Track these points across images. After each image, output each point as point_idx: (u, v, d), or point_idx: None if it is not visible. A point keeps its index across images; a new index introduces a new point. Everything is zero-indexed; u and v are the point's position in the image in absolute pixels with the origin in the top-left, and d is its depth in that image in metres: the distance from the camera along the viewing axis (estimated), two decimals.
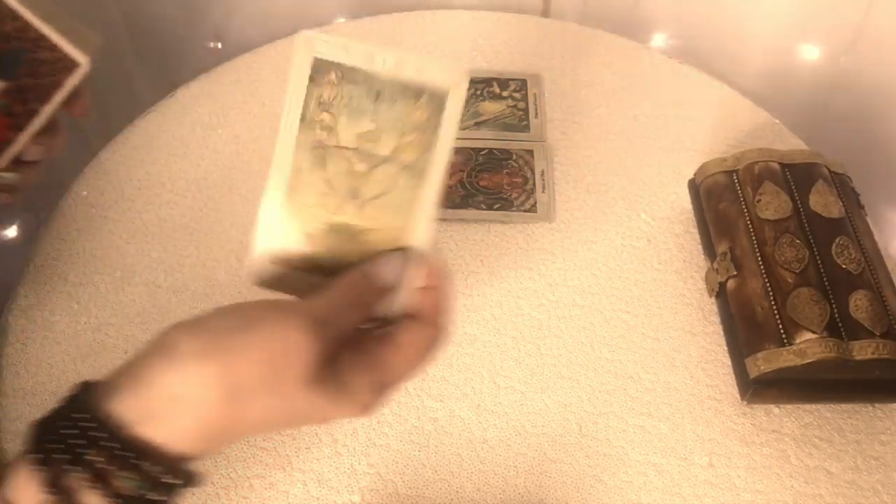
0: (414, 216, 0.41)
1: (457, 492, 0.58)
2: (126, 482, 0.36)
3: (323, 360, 0.38)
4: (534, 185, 0.75)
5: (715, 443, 0.61)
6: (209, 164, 0.77)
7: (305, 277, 0.42)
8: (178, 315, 0.66)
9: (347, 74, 0.39)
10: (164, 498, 0.37)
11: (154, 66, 1.04)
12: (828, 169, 0.69)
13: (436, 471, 0.59)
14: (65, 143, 0.62)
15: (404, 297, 0.41)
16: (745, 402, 0.62)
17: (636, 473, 0.59)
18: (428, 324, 0.41)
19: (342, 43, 0.39)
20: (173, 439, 0.37)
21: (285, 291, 0.42)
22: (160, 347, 0.38)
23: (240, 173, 0.76)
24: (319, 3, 0.98)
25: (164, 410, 0.36)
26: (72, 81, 0.58)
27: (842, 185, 0.68)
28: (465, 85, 0.39)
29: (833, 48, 0.93)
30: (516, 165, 0.76)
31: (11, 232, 1.02)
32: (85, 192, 0.74)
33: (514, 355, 0.65)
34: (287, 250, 0.42)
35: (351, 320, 0.40)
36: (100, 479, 0.35)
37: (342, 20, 0.97)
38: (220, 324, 0.38)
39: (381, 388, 0.40)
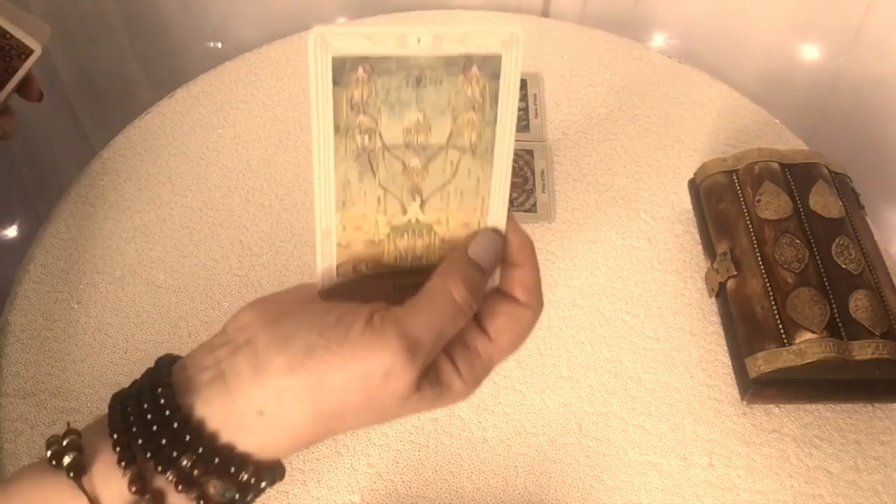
0: (486, 197, 0.37)
1: (457, 492, 0.58)
2: (217, 488, 0.35)
3: (423, 375, 0.36)
4: (534, 184, 0.75)
5: (715, 443, 0.61)
6: (209, 164, 0.77)
7: (379, 282, 0.39)
8: (178, 315, 0.67)
9: (378, 66, 0.34)
10: (250, 498, 0.37)
11: (154, 66, 1.04)
12: (828, 169, 0.69)
13: (436, 471, 0.59)
14: (15, 126, 0.63)
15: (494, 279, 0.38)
16: (745, 402, 0.62)
17: (636, 473, 0.59)
18: (520, 305, 0.39)
19: (364, 32, 0.33)
20: (263, 449, 0.36)
21: (360, 301, 0.37)
22: (247, 354, 0.36)
23: (240, 173, 0.76)
24: (319, 3, 0.98)
25: (253, 424, 0.36)
26: (26, 67, 0.60)
27: (842, 185, 0.68)
28: (521, 44, 0.34)
29: (833, 48, 0.93)
30: (516, 165, 0.76)
31: (11, 232, 1.03)
32: (85, 192, 0.74)
33: (514, 355, 0.65)
34: (352, 260, 0.39)
35: (457, 329, 0.37)
36: (189, 483, 0.35)
37: (342, 20, 0.97)
38: (309, 338, 0.35)
39: (480, 379, 0.39)
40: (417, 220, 0.38)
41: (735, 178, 0.68)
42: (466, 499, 0.58)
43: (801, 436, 0.61)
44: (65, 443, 0.36)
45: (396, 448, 0.60)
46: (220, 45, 1.03)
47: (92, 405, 0.61)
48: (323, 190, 0.37)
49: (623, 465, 0.60)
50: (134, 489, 0.35)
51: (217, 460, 0.35)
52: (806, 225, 0.64)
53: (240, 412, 0.35)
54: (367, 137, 0.36)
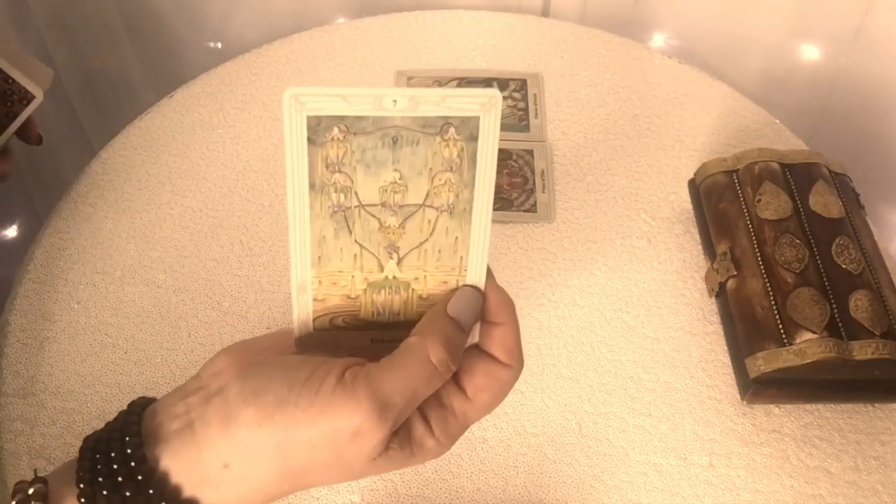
0: (465, 256, 0.38)
1: (457, 492, 0.58)
2: None
3: (392, 435, 0.36)
4: (534, 184, 0.75)
5: (715, 443, 0.61)
6: (209, 164, 0.77)
7: (356, 335, 0.40)
8: (178, 315, 0.67)
9: (353, 125, 0.34)
10: None
11: (154, 66, 1.04)
12: (828, 169, 0.69)
13: (436, 471, 0.59)
14: (12, 167, 0.64)
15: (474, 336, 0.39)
16: (745, 402, 0.62)
17: (636, 473, 0.59)
18: (500, 364, 0.38)
19: (339, 93, 0.34)
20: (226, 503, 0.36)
21: (336, 354, 0.38)
22: (217, 405, 0.36)
23: (240, 173, 0.76)
24: (319, 3, 0.98)
25: (218, 478, 0.35)
26: (26, 112, 0.61)
27: (842, 185, 0.68)
28: (499, 106, 0.34)
29: (833, 48, 0.93)
30: (516, 165, 0.76)
31: (11, 232, 1.03)
32: (85, 192, 0.74)
33: None
34: (329, 314, 0.39)
35: (432, 390, 0.36)
36: None
37: (342, 20, 0.97)
38: (279, 392, 0.35)
39: (454, 437, 0.38)
40: (395, 277, 0.38)
41: (735, 178, 0.68)
42: (466, 499, 0.58)
43: (801, 436, 0.61)
44: (31, 491, 0.36)
45: None
46: (220, 45, 1.03)
47: (92, 405, 0.61)
48: (298, 245, 0.37)
49: (623, 465, 0.60)
50: None
51: None
52: (806, 225, 0.64)
53: (205, 464, 0.35)
54: (342, 195, 0.36)
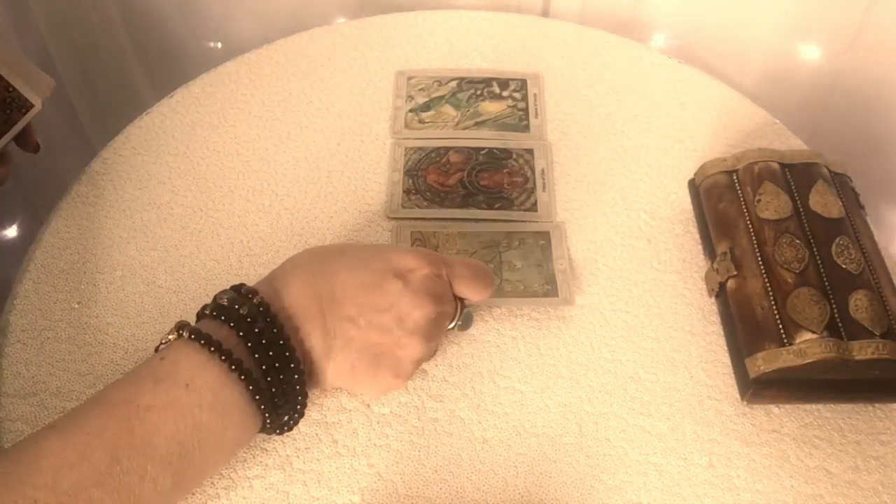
0: None
1: (457, 492, 0.58)
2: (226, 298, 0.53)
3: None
4: (534, 184, 0.75)
5: (715, 443, 0.61)
6: (209, 164, 0.77)
7: None
8: (178, 315, 0.67)
9: None
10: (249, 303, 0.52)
11: (154, 66, 1.04)
12: (828, 169, 0.69)
13: (436, 471, 0.59)
14: (9, 173, 0.65)
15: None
16: (745, 402, 0.62)
17: (636, 473, 0.59)
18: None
19: None
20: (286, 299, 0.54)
21: None
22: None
23: (240, 173, 0.76)
24: (319, 3, 0.98)
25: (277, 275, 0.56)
26: (25, 120, 0.62)
27: (842, 185, 0.68)
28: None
29: (833, 48, 0.93)
30: (516, 165, 0.76)
31: (11, 232, 1.03)
32: (85, 192, 0.74)
33: (514, 355, 0.65)
34: None
35: (461, 290, 0.59)
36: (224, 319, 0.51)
37: (342, 20, 0.97)
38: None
39: (434, 265, 0.57)
40: None
41: (735, 178, 0.68)
42: (466, 499, 0.58)
43: (801, 436, 0.61)
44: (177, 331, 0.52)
45: (396, 448, 0.60)
46: (220, 45, 1.03)
47: None
48: None
49: (623, 465, 0.60)
50: (177, 334, 0.52)
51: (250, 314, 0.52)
52: (806, 225, 0.64)
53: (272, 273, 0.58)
54: None
